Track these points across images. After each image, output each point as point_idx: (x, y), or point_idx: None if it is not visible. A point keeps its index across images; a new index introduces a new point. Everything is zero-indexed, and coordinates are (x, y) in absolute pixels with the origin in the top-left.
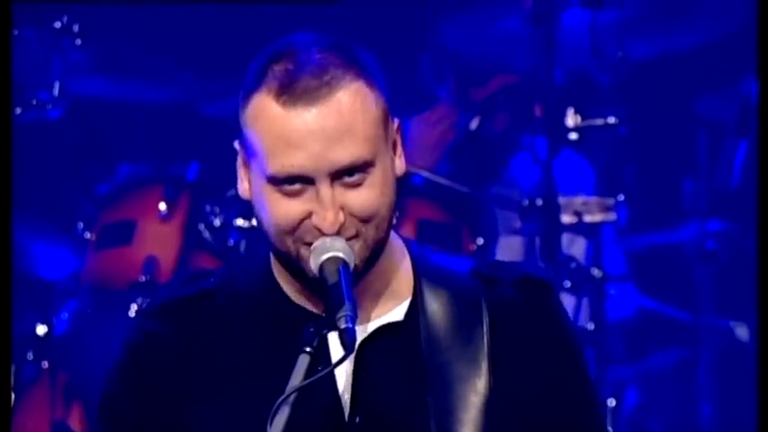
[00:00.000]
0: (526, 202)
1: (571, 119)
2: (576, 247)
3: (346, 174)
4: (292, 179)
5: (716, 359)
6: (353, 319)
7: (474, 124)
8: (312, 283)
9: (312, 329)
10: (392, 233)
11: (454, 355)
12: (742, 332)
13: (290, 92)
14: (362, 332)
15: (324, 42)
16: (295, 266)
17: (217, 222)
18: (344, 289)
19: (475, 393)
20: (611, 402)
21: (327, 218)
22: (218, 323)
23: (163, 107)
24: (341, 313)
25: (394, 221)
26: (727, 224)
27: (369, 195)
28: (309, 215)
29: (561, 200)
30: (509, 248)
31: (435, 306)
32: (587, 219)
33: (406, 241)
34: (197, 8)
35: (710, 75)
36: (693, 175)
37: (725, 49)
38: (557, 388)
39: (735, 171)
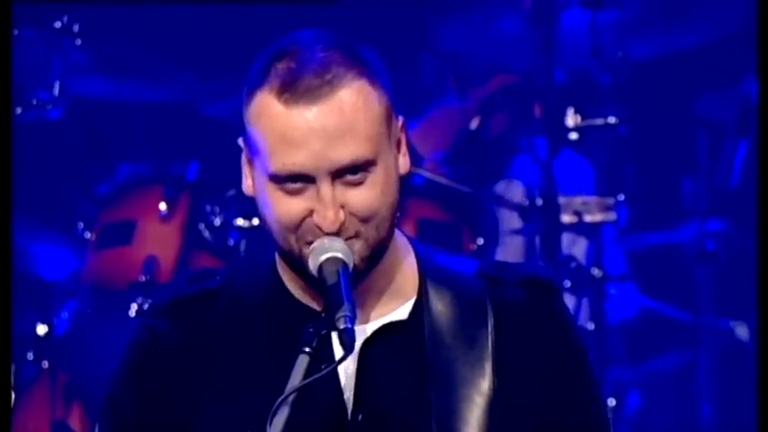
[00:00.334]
0: (526, 202)
1: (571, 119)
2: (576, 246)
3: (347, 172)
4: (293, 177)
5: (716, 359)
6: (352, 319)
7: (474, 124)
8: (315, 282)
9: (311, 329)
10: (397, 232)
11: (458, 355)
12: (742, 332)
13: (291, 90)
14: (366, 331)
15: (327, 40)
16: (298, 265)
17: (217, 222)
18: (343, 289)
19: (479, 393)
20: (612, 402)
21: (328, 216)
22: (223, 322)
23: (163, 107)
24: (340, 314)
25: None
26: (726, 224)
27: (369, 194)
28: (311, 213)
29: (561, 200)
30: (509, 248)
31: (440, 306)
32: (587, 218)
33: (411, 240)
34: (197, 8)
35: (710, 75)
36: (693, 174)
37: (725, 48)
38: (561, 389)
39: (735, 171)
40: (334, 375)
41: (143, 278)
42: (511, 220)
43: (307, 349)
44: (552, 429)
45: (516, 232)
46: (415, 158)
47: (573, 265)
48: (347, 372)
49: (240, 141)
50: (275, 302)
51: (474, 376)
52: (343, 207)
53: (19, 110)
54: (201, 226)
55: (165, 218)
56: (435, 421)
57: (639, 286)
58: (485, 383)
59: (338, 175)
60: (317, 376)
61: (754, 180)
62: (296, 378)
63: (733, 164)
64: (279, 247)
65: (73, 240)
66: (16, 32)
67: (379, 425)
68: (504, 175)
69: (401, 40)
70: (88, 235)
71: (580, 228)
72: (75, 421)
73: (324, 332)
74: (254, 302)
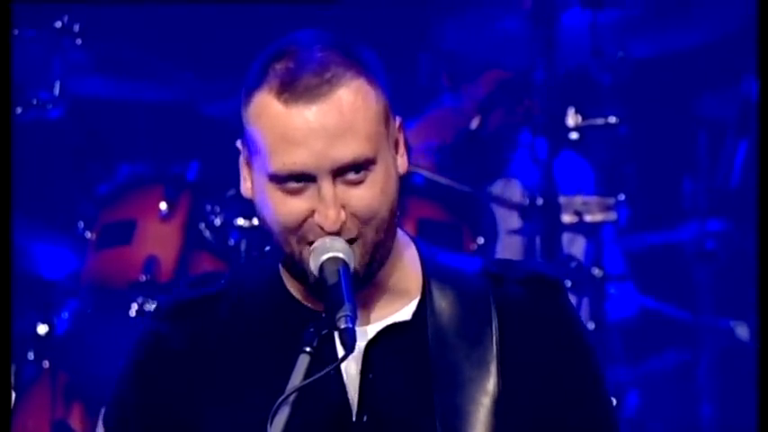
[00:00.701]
0: (527, 202)
1: (571, 118)
2: (576, 246)
3: (348, 171)
4: (294, 177)
5: (716, 359)
6: (353, 319)
7: (474, 124)
8: (313, 286)
9: (312, 330)
10: (399, 231)
11: (463, 355)
12: (742, 332)
13: (291, 90)
14: (370, 331)
15: (325, 40)
16: (299, 267)
17: (217, 222)
18: (344, 289)
19: (484, 394)
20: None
21: (329, 216)
22: (227, 325)
23: (163, 107)
24: (341, 313)
25: (396, 221)
26: (726, 224)
27: (370, 194)
28: (312, 213)
29: (562, 199)
30: (510, 248)
31: (444, 305)
32: (588, 218)
33: (413, 239)
34: (197, 8)
35: (711, 74)
36: (693, 174)
37: (725, 48)
38: (567, 387)
39: (735, 171)
40: (338, 376)
41: (143, 278)
42: (511, 220)
43: (308, 349)
44: (559, 428)
45: (516, 232)
46: (415, 158)
47: (573, 264)
48: (350, 373)
49: (239, 143)
50: (278, 305)
51: (478, 376)
52: (344, 207)
53: (19, 110)
54: (202, 226)
55: (166, 218)
56: (440, 422)
57: (640, 286)
58: (489, 383)
59: (339, 173)
60: (317, 376)
61: (754, 180)
62: (297, 378)
63: (733, 164)
64: (279, 249)
65: (73, 240)
66: (16, 32)
67: (384, 426)
68: (504, 175)
69: (400, 40)
70: (88, 235)
71: (580, 227)
72: (75, 421)
73: (325, 332)
74: (257, 305)
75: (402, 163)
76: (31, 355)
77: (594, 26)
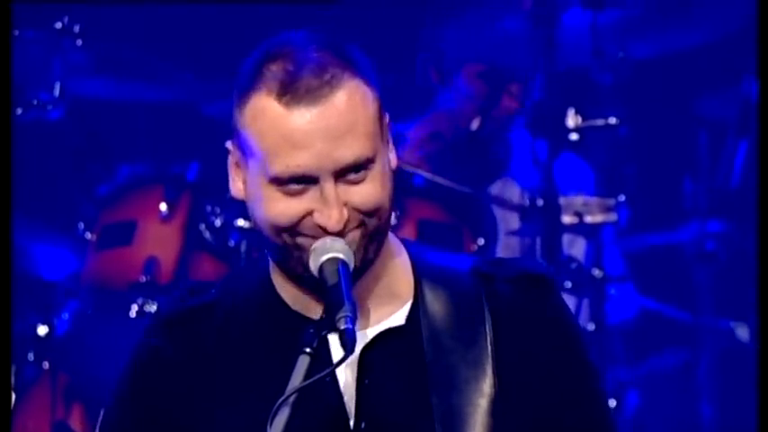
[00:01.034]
0: (527, 203)
1: (572, 119)
2: (576, 247)
3: (350, 171)
4: (296, 179)
5: (716, 359)
6: (353, 319)
7: (474, 125)
8: (309, 284)
9: (312, 331)
10: (390, 234)
11: (458, 357)
12: (742, 332)
13: (292, 91)
14: (364, 337)
15: (318, 41)
16: (291, 266)
17: (217, 223)
18: (344, 290)
19: (480, 395)
20: (612, 403)
21: (333, 216)
22: (221, 334)
23: (163, 107)
24: (340, 314)
25: (394, 221)
26: (727, 224)
27: (371, 190)
28: (309, 213)
29: (562, 200)
30: (510, 249)
31: (437, 307)
32: (588, 219)
33: (403, 241)
34: (197, 8)
35: (711, 75)
36: (693, 175)
37: (725, 49)
38: (561, 385)
39: (735, 171)
40: (334, 383)
41: (143, 279)
42: (511, 221)
43: (307, 350)
44: (555, 425)
45: (517, 233)
46: (415, 159)
47: (573, 265)
48: (347, 379)
49: (228, 145)
50: (269, 312)
51: (474, 377)
52: (345, 205)
53: (19, 110)
54: (202, 226)
55: (166, 218)
56: (439, 426)
57: (640, 287)
58: (485, 384)
59: (340, 174)
60: (317, 377)
61: (754, 180)
62: (297, 379)
63: (733, 164)
64: (272, 251)
65: (73, 241)
66: (17, 33)
67: None
68: (504, 176)
69: (400, 41)
70: (89, 235)
71: (581, 228)
72: (75, 422)
73: (324, 333)
74: (249, 312)
75: (393, 158)
76: (31, 356)
77: (595, 27)
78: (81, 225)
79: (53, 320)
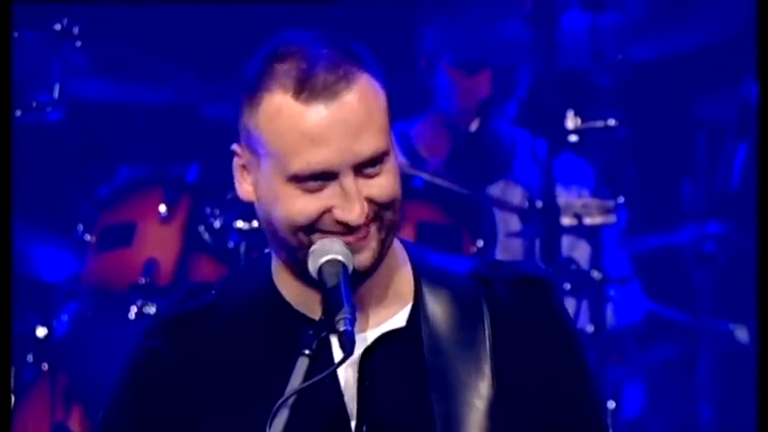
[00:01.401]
0: (526, 205)
1: (571, 121)
2: (575, 249)
3: (367, 165)
4: (317, 175)
5: (715, 361)
6: (352, 321)
7: (474, 126)
8: (318, 288)
9: (311, 332)
10: None
11: (457, 359)
12: (742, 334)
13: (309, 88)
14: (365, 339)
15: (323, 39)
16: (304, 264)
17: (217, 224)
18: (343, 291)
19: (479, 397)
20: (611, 404)
21: (355, 209)
22: (220, 336)
23: (163, 109)
24: (340, 316)
25: None
26: (725, 226)
27: (387, 183)
28: (329, 209)
29: (561, 202)
30: (509, 251)
31: (437, 309)
32: (587, 221)
33: (403, 242)
34: (197, 10)
35: (710, 77)
36: (692, 177)
37: (724, 51)
38: (558, 388)
39: (734, 173)
40: (337, 387)
41: (143, 280)
42: (511, 223)
43: (306, 352)
44: (552, 428)
45: (516, 235)
46: (416, 160)
47: (573, 267)
48: (348, 381)
49: (236, 147)
50: (271, 312)
51: (474, 380)
52: (364, 198)
53: (19, 112)
54: (201, 228)
55: (165, 220)
56: (439, 428)
57: (639, 289)
58: (484, 386)
59: (359, 168)
60: (317, 378)
61: (753, 182)
62: (296, 381)
63: (732, 166)
64: (284, 251)
65: (73, 242)
66: (16, 34)
67: None
68: (505, 178)
69: (400, 41)
70: (88, 237)
71: (580, 230)
72: (75, 424)
73: (324, 334)
74: (250, 313)
75: (396, 152)
76: (30, 358)
77: (594, 29)
78: (80, 227)
79: (52, 322)
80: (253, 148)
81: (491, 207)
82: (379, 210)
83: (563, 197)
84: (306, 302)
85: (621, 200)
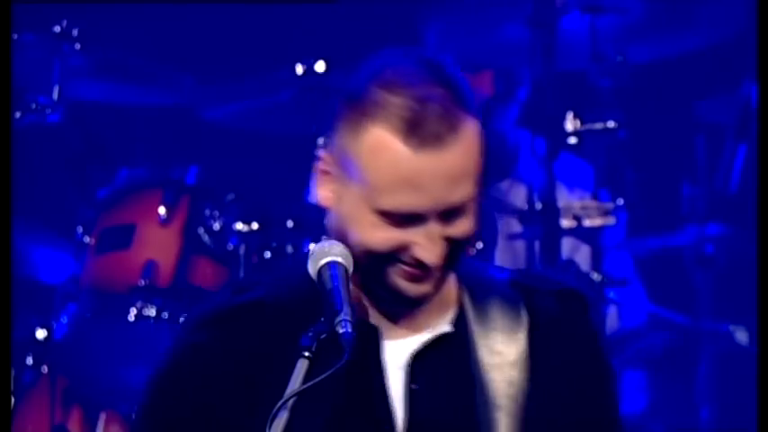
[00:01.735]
0: (525, 206)
1: (570, 123)
2: (575, 251)
3: (455, 210)
4: (405, 216)
5: (715, 363)
6: (351, 323)
7: None
8: (380, 297)
9: (311, 334)
10: None
11: (500, 365)
12: (742, 336)
13: (419, 135)
14: (415, 343)
15: (431, 71)
16: (367, 281)
17: (216, 226)
18: (343, 293)
19: (514, 402)
20: None
21: (435, 252)
22: (268, 332)
23: (162, 111)
24: (339, 318)
25: None
26: (725, 228)
27: (469, 223)
28: (408, 246)
29: (561, 204)
30: (509, 252)
31: (481, 315)
32: (587, 223)
33: None
34: (197, 12)
35: (710, 79)
36: (692, 179)
37: (724, 53)
38: (584, 402)
39: (734, 176)
40: (382, 388)
41: (142, 282)
42: (510, 225)
43: (306, 354)
44: None
45: (516, 236)
46: None
47: (572, 269)
48: (396, 385)
49: (323, 153)
50: (318, 311)
51: (512, 386)
52: (444, 238)
53: (18, 114)
54: (201, 230)
55: (165, 222)
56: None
57: (638, 290)
58: (520, 394)
59: (446, 212)
60: (314, 381)
61: (753, 185)
62: (295, 383)
63: (732, 168)
64: (355, 264)
65: (72, 245)
66: (16, 36)
67: None
68: (510, 178)
69: (400, 41)
70: (87, 239)
71: (580, 232)
72: (74, 426)
73: (323, 336)
74: (298, 313)
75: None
76: (29, 360)
77: (594, 31)
78: (80, 229)
79: (52, 324)
80: (344, 166)
81: (491, 209)
82: (454, 247)
83: (563, 199)
84: (358, 303)
85: (621, 202)
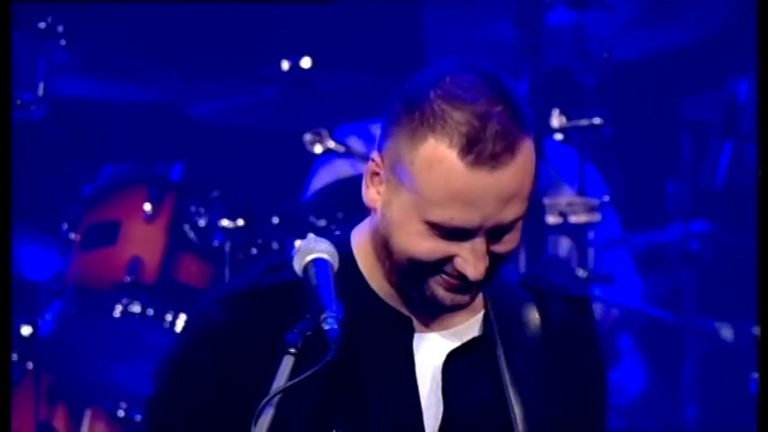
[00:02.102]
0: None
1: (556, 119)
2: (561, 247)
3: (504, 228)
4: (454, 230)
5: (700, 360)
6: (337, 320)
7: None
8: (414, 301)
9: (296, 331)
10: None
11: (522, 368)
12: (727, 333)
13: (477, 153)
14: (447, 346)
15: (492, 82)
16: (406, 286)
17: (201, 223)
18: (328, 290)
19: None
20: None
21: (479, 268)
22: (301, 313)
23: (147, 108)
24: (324, 315)
25: None
26: (711, 225)
27: (514, 240)
28: (453, 257)
29: (546, 200)
30: None
31: (505, 319)
32: (572, 219)
33: None
34: (182, 9)
35: (695, 76)
36: (678, 176)
37: (710, 49)
38: (579, 404)
39: (719, 172)
40: (414, 391)
41: (128, 279)
42: None
43: (292, 350)
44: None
45: None
46: None
47: (558, 266)
48: (431, 388)
49: (375, 156)
50: (358, 302)
51: (530, 387)
52: (488, 253)
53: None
54: (186, 227)
55: (150, 219)
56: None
57: (624, 286)
58: (536, 393)
59: (494, 229)
60: (302, 377)
61: (738, 181)
62: (281, 379)
63: (717, 165)
64: (388, 261)
65: (57, 241)
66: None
67: None
68: None
69: (399, 41)
70: (72, 236)
71: (565, 229)
72: (59, 423)
73: (309, 333)
74: None
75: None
76: (14, 357)
77: (579, 27)
78: (65, 225)
79: (37, 321)
80: (397, 171)
81: None
82: (496, 261)
83: (548, 196)
84: (393, 295)
85: (607, 198)
